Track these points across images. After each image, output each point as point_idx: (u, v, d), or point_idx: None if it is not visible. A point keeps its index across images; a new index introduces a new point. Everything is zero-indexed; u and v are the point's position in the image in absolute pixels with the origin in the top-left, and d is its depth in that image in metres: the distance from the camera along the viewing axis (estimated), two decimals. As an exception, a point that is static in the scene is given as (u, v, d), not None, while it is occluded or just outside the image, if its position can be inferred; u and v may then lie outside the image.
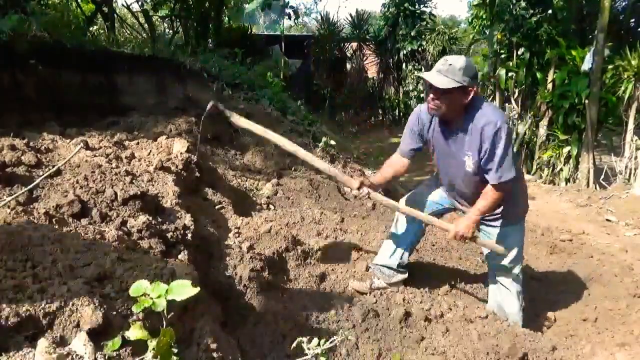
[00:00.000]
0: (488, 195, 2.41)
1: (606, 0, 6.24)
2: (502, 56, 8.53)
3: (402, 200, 2.83)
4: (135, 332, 1.37)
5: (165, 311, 1.42)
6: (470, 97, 2.30)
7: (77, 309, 1.38)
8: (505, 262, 2.66)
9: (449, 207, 2.82)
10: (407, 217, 2.79)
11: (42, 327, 1.33)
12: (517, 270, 2.70)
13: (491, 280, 2.81)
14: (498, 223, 2.62)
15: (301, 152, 2.62)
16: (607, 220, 5.18)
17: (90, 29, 7.60)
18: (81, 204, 2.08)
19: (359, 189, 2.51)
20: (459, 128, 2.39)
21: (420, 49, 13.73)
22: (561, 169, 7.16)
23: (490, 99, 9.04)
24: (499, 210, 2.58)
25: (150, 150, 3.37)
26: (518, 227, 2.66)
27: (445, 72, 2.27)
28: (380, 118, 15.14)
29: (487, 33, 9.29)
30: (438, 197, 2.78)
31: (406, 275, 2.84)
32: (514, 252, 2.64)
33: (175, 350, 1.39)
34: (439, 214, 2.85)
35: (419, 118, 2.56)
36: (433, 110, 2.38)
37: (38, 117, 4.06)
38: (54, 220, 1.91)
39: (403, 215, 2.82)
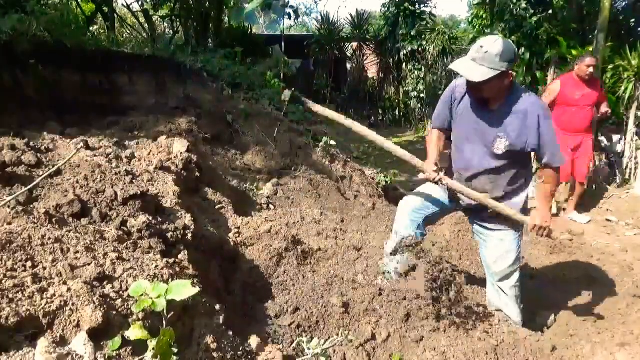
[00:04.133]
0: (550, 179, 2.41)
1: (606, 0, 6.23)
2: (502, 56, 8.51)
3: (407, 199, 2.81)
4: (135, 332, 1.37)
5: (165, 311, 1.42)
6: (510, 79, 2.27)
7: (77, 309, 1.38)
8: (504, 267, 2.65)
9: (450, 208, 2.81)
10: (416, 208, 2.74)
11: (42, 327, 1.32)
12: (515, 275, 2.68)
13: (490, 284, 2.80)
14: (500, 227, 2.61)
15: (373, 136, 2.79)
16: (607, 220, 5.18)
17: (90, 28, 7.60)
18: (81, 204, 2.08)
19: (436, 172, 2.49)
20: (499, 109, 2.35)
21: (420, 49, 13.69)
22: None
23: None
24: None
25: (150, 150, 3.37)
26: (518, 231, 2.64)
27: (482, 61, 2.20)
28: (381, 118, 15.12)
29: (487, 33, 9.27)
30: (439, 196, 2.76)
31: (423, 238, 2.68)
32: (512, 257, 2.63)
33: (175, 350, 1.39)
34: (439, 214, 2.85)
35: (452, 93, 2.51)
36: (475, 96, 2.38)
37: (38, 117, 4.06)
38: (54, 220, 1.90)
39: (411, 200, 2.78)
